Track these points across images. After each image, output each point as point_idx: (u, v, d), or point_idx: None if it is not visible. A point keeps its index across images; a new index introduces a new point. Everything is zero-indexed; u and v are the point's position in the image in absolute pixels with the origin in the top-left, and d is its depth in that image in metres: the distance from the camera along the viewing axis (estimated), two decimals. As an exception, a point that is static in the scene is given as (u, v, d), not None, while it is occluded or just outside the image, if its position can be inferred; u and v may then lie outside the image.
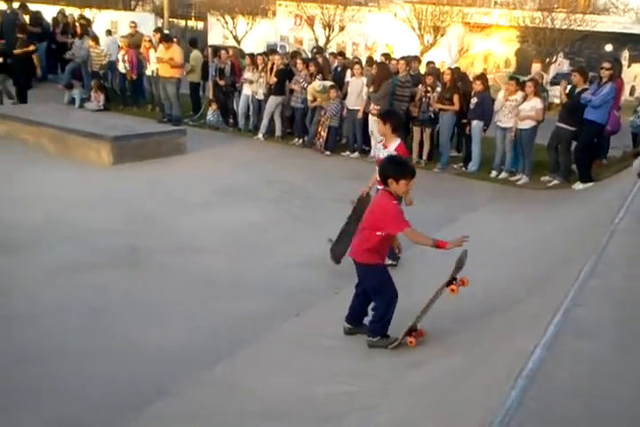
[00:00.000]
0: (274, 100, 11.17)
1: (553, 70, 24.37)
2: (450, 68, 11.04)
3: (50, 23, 15.13)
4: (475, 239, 6.19)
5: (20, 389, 3.66)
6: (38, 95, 12.83)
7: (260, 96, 11.46)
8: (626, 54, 27.08)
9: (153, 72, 12.54)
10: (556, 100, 12.96)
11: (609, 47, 28.95)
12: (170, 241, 6.26)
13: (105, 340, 4.26)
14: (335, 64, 12.00)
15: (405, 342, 4.04)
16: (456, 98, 9.70)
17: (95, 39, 13.86)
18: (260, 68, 11.40)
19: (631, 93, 23.82)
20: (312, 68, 10.97)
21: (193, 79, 12.98)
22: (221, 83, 12.23)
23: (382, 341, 4.10)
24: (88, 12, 27.68)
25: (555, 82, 18.59)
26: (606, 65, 8.49)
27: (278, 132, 11.52)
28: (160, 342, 4.28)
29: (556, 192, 8.79)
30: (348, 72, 11.21)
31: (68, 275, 5.24)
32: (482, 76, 10.22)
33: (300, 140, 11.29)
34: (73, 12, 20.95)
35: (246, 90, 11.65)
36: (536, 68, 13.58)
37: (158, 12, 34.92)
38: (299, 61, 11.32)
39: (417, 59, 12.19)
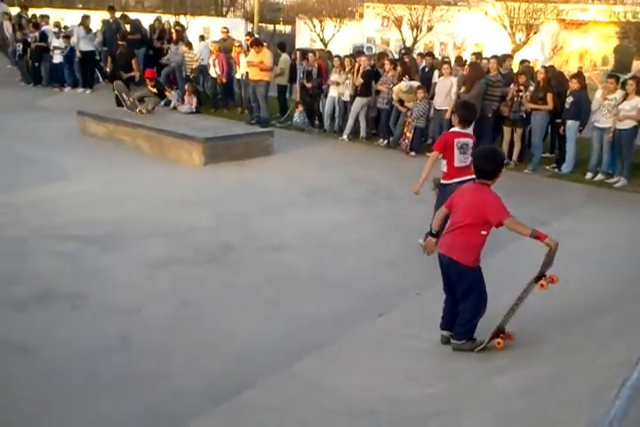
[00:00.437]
0: (360, 102, 11.18)
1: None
2: (544, 67, 10.67)
3: (147, 30, 15.88)
4: (568, 243, 5.94)
5: (106, 378, 3.81)
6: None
7: (347, 97, 11.51)
8: None
9: (242, 76, 12.88)
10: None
11: None
12: (256, 240, 6.39)
13: (192, 333, 4.41)
14: (423, 64, 11.86)
15: (492, 344, 3.92)
16: (549, 97, 9.34)
17: (189, 45, 14.42)
18: (346, 69, 11.45)
19: None
20: (399, 69, 10.90)
21: (281, 82, 13.23)
22: (308, 85, 12.38)
23: (468, 344, 4.00)
24: (182, 19, 28.82)
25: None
26: None
27: (363, 133, 11.52)
28: (245, 336, 4.39)
29: (657, 196, 8.27)
30: (436, 72, 11.05)
31: (159, 269, 5.47)
32: (579, 75, 9.81)
33: (385, 141, 11.24)
34: (169, 18, 21.90)
35: (333, 91, 11.73)
36: (637, 65, 12.88)
37: (248, 18, 35.90)
38: (386, 62, 11.28)
39: (510, 57, 11.83)
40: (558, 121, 9.57)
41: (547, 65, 12.82)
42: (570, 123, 9.29)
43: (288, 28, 41.35)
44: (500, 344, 3.90)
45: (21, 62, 16.20)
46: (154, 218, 6.83)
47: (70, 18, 25.89)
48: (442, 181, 5.96)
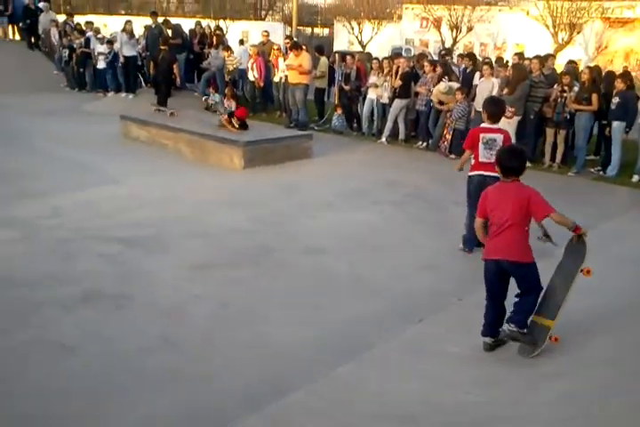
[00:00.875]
0: (398, 104, 11.12)
1: None
2: (588, 67, 10.41)
3: (188, 35, 16.11)
4: (614, 248, 5.79)
5: (149, 377, 3.87)
6: (177, 103, 13.70)
7: (385, 100, 11.45)
8: None
9: (281, 79, 12.95)
10: None
11: None
12: (295, 242, 6.42)
13: (232, 335, 4.45)
14: (463, 66, 11.72)
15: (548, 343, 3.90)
16: (595, 98, 9.12)
17: (228, 49, 14.57)
18: (385, 71, 11.40)
19: None
20: (438, 70, 10.80)
21: (320, 85, 13.25)
22: (346, 88, 12.38)
23: (527, 337, 3.98)
24: (222, 23, 29.15)
25: None
26: None
27: (402, 135, 11.45)
28: (285, 338, 4.40)
29: None
30: (477, 74, 10.91)
31: (200, 271, 5.54)
32: (626, 75, 9.54)
33: (424, 144, 11.15)
34: (208, 23, 22.18)
35: (371, 94, 11.70)
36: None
37: (287, 21, 36.09)
38: (426, 63, 11.20)
39: (552, 56, 11.60)
40: (604, 122, 9.35)
41: (591, 65, 12.52)
42: (616, 124, 9.07)
43: (326, 31, 41.43)
44: (556, 340, 3.93)
45: (67, 68, 16.64)
46: (195, 220, 6.92)
47: (114, 24, 26.50)
48: (468, 173, 6.01)
